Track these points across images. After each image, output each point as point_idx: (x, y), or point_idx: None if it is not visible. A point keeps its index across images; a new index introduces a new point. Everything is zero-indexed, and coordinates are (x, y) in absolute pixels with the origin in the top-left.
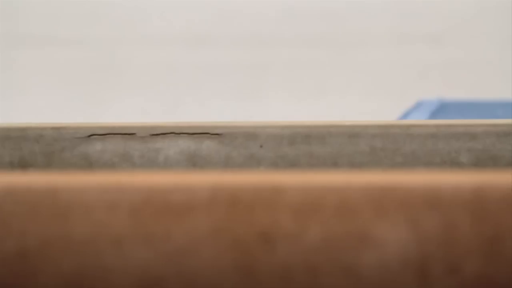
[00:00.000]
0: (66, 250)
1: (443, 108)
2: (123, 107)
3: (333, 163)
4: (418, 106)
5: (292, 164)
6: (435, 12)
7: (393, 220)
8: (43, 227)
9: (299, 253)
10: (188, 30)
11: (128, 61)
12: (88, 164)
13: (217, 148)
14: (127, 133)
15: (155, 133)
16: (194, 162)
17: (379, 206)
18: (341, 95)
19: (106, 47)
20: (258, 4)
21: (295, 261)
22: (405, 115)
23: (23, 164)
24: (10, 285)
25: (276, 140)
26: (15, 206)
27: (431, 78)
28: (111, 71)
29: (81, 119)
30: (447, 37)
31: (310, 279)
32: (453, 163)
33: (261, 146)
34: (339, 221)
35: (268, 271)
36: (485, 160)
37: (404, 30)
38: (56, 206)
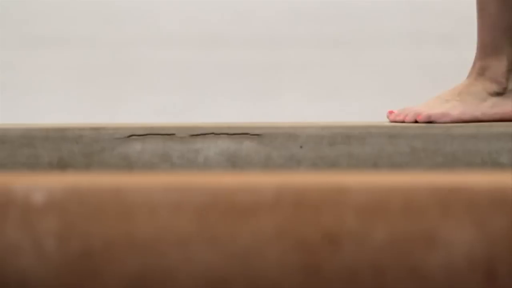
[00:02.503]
0: (130, 251)
1: None
2: (136, 107)
3: (373, 164)
4: None
5: (332, 164)
6: (449, 13)
7: (459, 221)
8: (107, 228)
9: (365, 254)
10: (202, 31)
11: (141, 61)
12: (128, 164)
13: (257, 148)
14: (166, 134)
15: (194, 133)
16: (233, 162)
17: (445, 207)
18: (355, 95)
19: (119, 47)
20: (272, 5)
21: (361, 262)
22: None
23: (62, 165)
24: (74, 284)
25: (316, 140)
26: (80, 206)
27: (445, 78)
28: (124, 72)
29: (94, 120)
30: (461, 37)
31: (375, 280)
32: (493, 164)
33: (301, 147)
34: (405, 221)
35: (333, 272)
36: None
37: (418, 31)
38: (121, 206)
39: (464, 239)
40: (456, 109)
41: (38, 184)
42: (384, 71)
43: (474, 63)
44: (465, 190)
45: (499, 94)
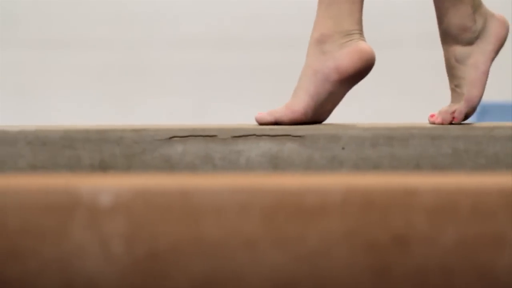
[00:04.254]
0: (197, 253)
1: (486, 111)
2: (152, 108)
3: (415, 165)
4: None
5: (374, 166)
6: None
7: None
8: (174, 229)
9: (433, 255)
10: (217, 33)
11: (158, 63)
12: (169, 166)
13: (299, 150)
14: (208, 135)
15: (236, 135)
16: (275, 164)
17: None
18: (373, 96)
19: (135, 49)
20: (289, 6)
21: (430, 263)
22: None
23: (103, 167)
24: (141, 286)
25: (358, 142)
26: (147, 208)
27: None
28: (141, 73)
29: (111, 121)
30: None
31: (445, 281)
32: None
33: (343, 148)
34: (474, 223)
35: (402, 274)
36: None
37: (434, 32)
38: (188, 208)
39: None
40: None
41: (105, 186)
42: (402, 73)
43: (439, 25)
44: None
45: (475, 37)
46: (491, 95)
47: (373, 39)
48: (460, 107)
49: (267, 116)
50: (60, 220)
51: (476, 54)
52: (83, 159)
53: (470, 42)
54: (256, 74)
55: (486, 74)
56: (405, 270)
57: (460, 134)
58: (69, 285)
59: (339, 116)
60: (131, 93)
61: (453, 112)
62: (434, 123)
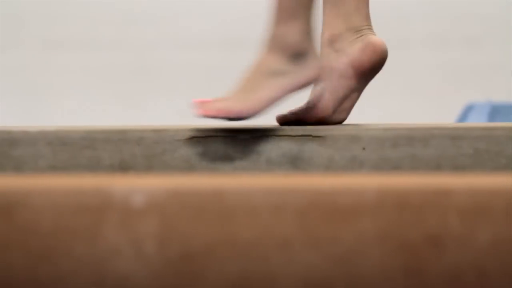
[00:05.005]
0: (231, 253)
1: (495, 111)
2: (159, 109)
3: (436, 166)
4: (469, 109)
5: (394, 166)
6: (473, 15)
7: None
8: (208, 230)
9: (468, 256)
10: (226, 33)
11: (164, 63)
12: (189, 166)
13: (319, 150)
14: (228, 135)
15: (256, 135)
16: (296, 164)
17: None
18: (381, 98)
19: (142, 50)
20: None
21: (464, 264)
22: (462, 118)
23: (123, 167)
24: (174, 286)
25: (379, 142)
26: (180, 208)
27: (469, 79)
28: (147, 74)
29: (118, 121)
30: (485, 39)
31: (478, 282)
32: None
33: (363, 149)
34: (509, 223)
35: (436, 274)
36: None
37: (443, 34)
38: (222, 208)
39: None
40: (260, 95)
41: (138, 186)
42: (410, 74)
43: (270, 31)
44: None
45: (297, 58)
46: (501, 96)
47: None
48: (233, 109)
49: (287, 115)
50: (93, 220)
51: (288, 75)
52: (103, 160)
53: (290, 60)
54: None
55: (272, 103)
56: (438, 271)
57: (480, 134)
58: (101, 285)
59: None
60: (137, 94)
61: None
62: (205, 115)
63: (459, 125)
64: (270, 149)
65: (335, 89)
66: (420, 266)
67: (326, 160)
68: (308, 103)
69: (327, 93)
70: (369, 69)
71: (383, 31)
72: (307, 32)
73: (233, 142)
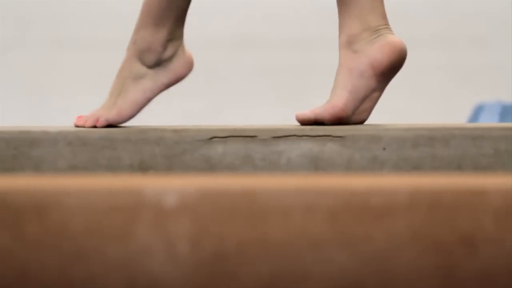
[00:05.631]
0: (264, 253)
1: (506, 111)
2: (165, 109)
3: (457, 166)
4: (480, 109)
5: (415, 166)
6: (480, 15)
7: None
8: (240, 230)
9: (502, 256)
10: (231, 33)
11: None
12: (210, 167)
13: (340, 150)
14: (248, 136)
15: (277, 135)
16: (316, 164)
17: None
18: (388, 97)
19: None
20: (303, 7)
21: (497, 265)
22: (474, 118)
23: (143, 167)
24: (206, 287)
25: (399, 142)
26: (213, 209)
27: (476, 79)
28: None
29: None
30: (492, 39)
31: None
32: None
33: (384, 149)
34: None
35: (469, 275)
36: None
37: (450, 33)
38: (254, 208)
39: None
40: (114, 108)
41: (170, 187)
42: (416, 74)
43: (133, 35)
44: None
45: (158, 64)
46: (509, 96)
47: None
48: (107, 118)
49: (307, 113)
50: (125, 220)
51: (149, 79)
52: (123, 160)
53: (150, 66)
54: (271, 74)
55: (148, 100)
56: (472, 271)
57: (501, 135)
58: (133, 285)
59: None
60: None
61: (98, 120)
62: (78, 126)
63: (479, 125)
64: (290, 149)
65: (355, 89)
66: (453, 266)
67: (346, 160)
68: (328, 102)
69: (346, 93)
70: (389, 69)
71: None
72: (170, 39)
73: (253, 142)
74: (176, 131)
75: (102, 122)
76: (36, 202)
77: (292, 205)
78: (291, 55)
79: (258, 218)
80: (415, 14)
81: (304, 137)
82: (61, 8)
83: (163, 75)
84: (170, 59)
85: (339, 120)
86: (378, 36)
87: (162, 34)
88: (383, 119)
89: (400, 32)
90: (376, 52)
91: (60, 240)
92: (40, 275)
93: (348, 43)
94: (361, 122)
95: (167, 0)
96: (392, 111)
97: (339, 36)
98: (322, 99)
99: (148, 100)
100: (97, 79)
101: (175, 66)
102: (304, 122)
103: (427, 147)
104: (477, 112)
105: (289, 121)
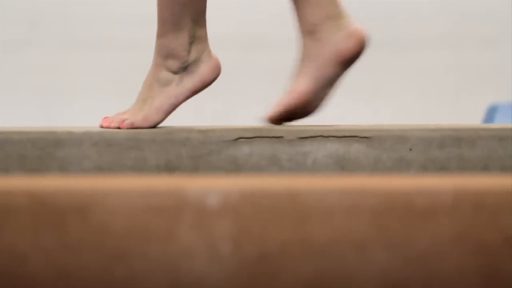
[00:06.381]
0: (306, 254)
1: None
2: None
3: (484, 167)
4: (494, 110)
5: (442, 167)
6: (490, 16)
7: None
8: (283, 231)
9: None
10: (243, 33)
11: None
12: (236, 167)
13: (366, 151)
14: (274, 136)
15: (303, 136)
16: (342, 165)
17: None
18: (396, 97)
19: None
20: None
21: None
22: (488, 119)
23: (169, 168)
24: (250, 287)
25: (426, 143)
26: (255, 210)
27: (486, 80)
28: None
29: None
30: (502, 40)
31: None
32: None
33: (410, 149)
34: None
35: None
36: None
37: (459, 34)
38: (296, 209)
39: None
40: (152, 106)
41: (212, 188)
42: (426, 74)
43: (156, 42)
44: None
45: (183, 68)
46: None
47: (397, 40)
48: (133, 121)
49: (276, 109)
50: (167, 221)
51: (175, 85)
52: (149, 160)
53: (175, 71)
54: (280, 74)
55: (174, 106)
56: None
57: None
58: (175, 286)
59: (361, 115)
60: None
61: (123, 122)
62: (102, 127)
63: (505, 126)
64: (317, 149)
65: (319, 76)
66: (498, 267)
67: (372, 161)
68: (293, 91)
69: (309, 80)
70: (354, 57)
71: (399, 31)
72: (192, 42)
73: (279, 142)
74: (202, 131)
75: (127, 124)
76: (78, 203)
77: (335, 206)
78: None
79: (301, 218)
80: (423, 14)
81: (330, 138)
82: (70, 9)
83: (188, 80)
84: (195, 63)
85: (306, 105)
86: (341, 24)
87: (182, 38)
88: (389, 118)
89: (409, 32)
90: (342, 41)
91: (102, 241)
92: (82, 275)
93: (310, 32)
94: (321, 106)
95: (180, 4)
96: (404, 112)
97: (299, 26)
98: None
99: (174, 106)
100: (106, 80)
101: (201, 71)
102: (276, 120)
103: (453, 148)
104: (491, 113)
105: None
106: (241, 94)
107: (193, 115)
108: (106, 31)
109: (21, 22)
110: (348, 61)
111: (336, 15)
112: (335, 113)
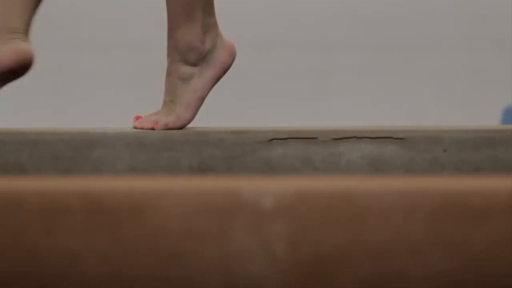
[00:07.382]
0: (363, 255)
1: None
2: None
3: None
4: (510, 111)
5: (476, 168)
6: (503, 18)
7: None
8: (338, 232)
9: None
10: (254, 35)
11: None
12: (270, 168)
13: (400, 152)
14: (308, 137)
15: (337, 137)
16: (376, 166)
17: None
18: (410, 99)
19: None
20: (323, 9)
21: None
22: (506, 121)
23: (202, 168)
24: None
25: (460, 144)
26: (310, 211)
27: (499, 81)
28: None
29: None
30: None
31: None
32: None
33: (444, 151)
34: None
35: None
36: None
37: (473, 35)
38: (352, 211)
39: None
40: (180, 105)
41: (267, 189)
42: (440, 75)
43: (168, 39)
44: None
45: (201, 59)
46: None
47: (410, 41)
48: (167, 122)
49: (159, 126)
50: (222, 222)
51: (197, 77)
52: (182, 161)
53: (194, 63)
54: (293, 76)
55: (201, 99)
56: None
57: None
58: (231, 287)
59: (372, 116)
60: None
61: (157, 123)
62: (136, 127)
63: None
64: (351, 151)
65: None
66: None
67: (407, 162)
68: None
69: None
70: (12, 72)
71: (412, 34)
72: (206, 31)
73: (313, 143)
74: (235, 133)
75: (161, 125)
76: (133, 204)
77: (392, 207)
78: (313, 57)
79: (357, 220)
80: (437, 14)
81: (364, 139)
82: (80, 10)
83: (208, 69)
84: (211, 51)
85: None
86: (14, 39)
87: (196, 29)
88: (403, 119)
89: (422, 33)
90: (5, 53)
91: (157, 242)
92: (137, 276)
93: None
94: None
95: None
96: (412, 112)
97: None
98: (342, 100)
99: (202, 99)
100: (119, 81)
101: (219, 57)
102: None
103: (487, 149)
104: (508, 114)
105: (309, 120)
106: (256, 95)
107: (206, 116)
108: (117, 33)
109: (34, 24)
110: (5, 74)
111: (14, 29)
112: (354, 114)
